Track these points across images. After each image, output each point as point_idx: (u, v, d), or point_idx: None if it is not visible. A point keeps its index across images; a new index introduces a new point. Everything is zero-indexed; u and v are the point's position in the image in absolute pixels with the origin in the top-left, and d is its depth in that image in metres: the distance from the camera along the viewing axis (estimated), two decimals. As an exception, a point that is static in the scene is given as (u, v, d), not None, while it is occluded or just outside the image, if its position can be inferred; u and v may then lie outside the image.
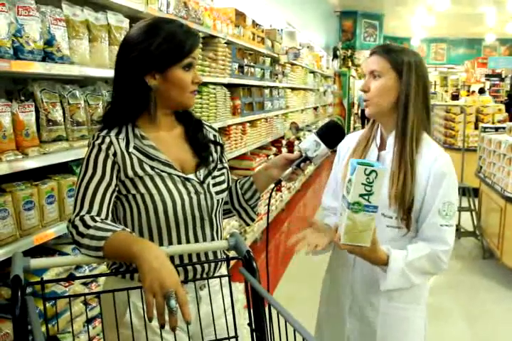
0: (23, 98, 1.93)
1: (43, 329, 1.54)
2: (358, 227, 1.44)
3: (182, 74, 1.48)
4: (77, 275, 2.15)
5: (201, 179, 1.57)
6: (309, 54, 9.48)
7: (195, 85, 1.52)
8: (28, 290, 1.82)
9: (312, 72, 9.61)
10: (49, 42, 1.88)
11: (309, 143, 1.59)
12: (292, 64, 7.39)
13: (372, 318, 1.75)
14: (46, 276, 1.95)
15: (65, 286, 2.04)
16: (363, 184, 1.38)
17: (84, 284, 2.22)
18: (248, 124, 5.05)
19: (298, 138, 7.86)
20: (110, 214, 1.46)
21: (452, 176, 1.68)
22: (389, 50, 1.69)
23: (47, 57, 1.88)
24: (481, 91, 14.44)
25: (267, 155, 6.03)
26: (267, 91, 5.81)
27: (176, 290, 1.11)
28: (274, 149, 6.41)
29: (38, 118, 1.93)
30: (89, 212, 1.40)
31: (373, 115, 1.74)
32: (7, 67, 1.66)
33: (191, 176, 1.56)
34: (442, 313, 3.76)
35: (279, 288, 4.41)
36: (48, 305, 1.87)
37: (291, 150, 7.35)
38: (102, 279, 2.18)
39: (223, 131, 4.41)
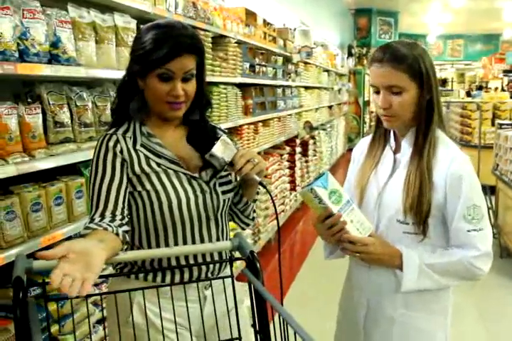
0: (30, 100, 1.94)
1: (49, 330, 1.55)
2: (358, 220, 1.61)
3: (156, 83, 1.47)
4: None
5: (207, 178, 1.57)
6: (323, 52, 9.44)
7: (172, 97, 1.48)
8: (38, 291, 1.85)
9: (326, 70, 9.57)
10: (55, 44, 1.89)
11: (213, 161, 1.51)
12: (305, 63, 7.36)
13: (388, 328, 1.70)
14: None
15: (74, 287, 2.05)
16: (329, 195, 1.55)
17: (95, 285, 2.23)
18: (260, 124, 5.04)
19: (312, 137, 7.82)
20: (126, 210, 1.46)
21: (471, 177, 1.60)
22: (401, 57, 1.56)
23: (53, 59, 1.89)
24: (480, 88, 14.24)
25: (281, 155, 6.01)
26: (279, 90, 5.79)
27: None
28: (288, 148, 6.39)
29: (45, 120, 1.94)
30: (103, 212, 1.42)
31: (395, 127, 1.68)
32: (12, 69, 1.67)
33: (197, 175, 1.56)
34: (459, 312, 3.69)
35: (292, 287, 4.40)
36: (56, 306, 1.89)
37: (305, 149, 7.33)
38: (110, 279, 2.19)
39: (235, 130, 4.41)
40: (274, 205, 1.52)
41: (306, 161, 7.41)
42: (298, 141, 6.89)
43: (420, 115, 1.63)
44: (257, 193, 1.71)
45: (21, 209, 1.81)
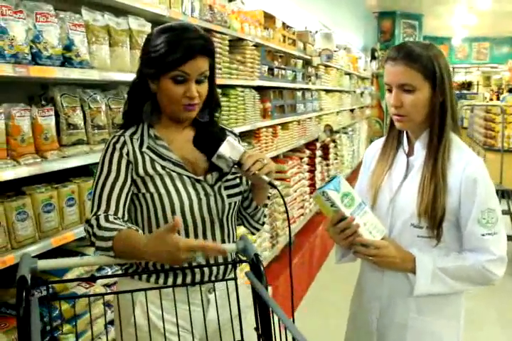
0: (44, 102, 1.97)
1: (52, 330, 1.57)
2: (371, 223, 1.60)
3: (170, 85, 1.48)
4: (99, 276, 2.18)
5: (212, 182, 1.57)
6: (345, 55, 9.39)
7: (187, 99, 1.49)
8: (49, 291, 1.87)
9: (348, 73, 9.51)
10: (68, 47, 1.91)
11: (220, 163, 1.52)
12: (326, 66, 7.33)
13: (400, 332, 1.68)
14: (67, 277, 1.98)
15: (86, 288, 2.07)
16: (341, 198, 1.54)
17: (107, 286, 2.24)
18: (279, 127, 5.03)
19: (333, 141, 7.78)
20: (127, 213, 1.48)
21: (486, 181, 1.58)
22: (415, 56, 1.56)
23: (66, 62, 1.92)
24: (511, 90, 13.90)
25: (301, 158, 5.99)
26: (299, 93, 5.77)
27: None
28: (307, 152, 6.36)
29: (58, 122, 1.97)
30: (106, 211, 1.44)
31: (406, 128, 1.67)
32: (25, 72, 1.69)
33: (202, 178, 1.56)
34: (477, 318, 3.65)
35: (310, 289, 4.38)
36: (68, 306, 1.90)
37: (326, 152, 7.29)
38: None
39: (253, 133, 4.40)
40: (285, 205, 1.51)
41: (327, 165, 7.37)
42: (318, 145, 6.85)
43: (433, 117, 1.60)
44: (269, 198, 1.70)
45: (33, 210, 1.83)
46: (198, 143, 1.53)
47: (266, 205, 1.69)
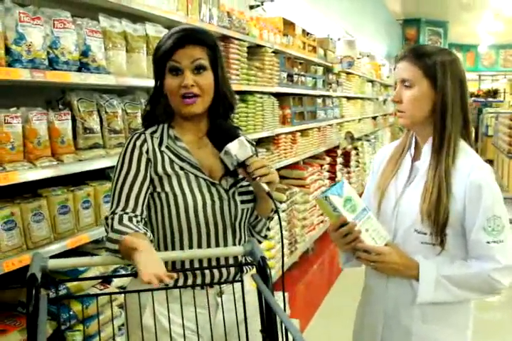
0: (61, 107, 2.01)
1: (60, 329, 1.59)
2: (374, 228, 1.60)
3: (169, 79, 1.51)
4: (115, 278, 2.21)
5: (227, 186, 1.58)
6: (368, 63, 9.36)
7: (183, 89, 1.49)
8: (63, 291, 1.91)
9: (370, 81, 9.48)
10: (84, 53, 1.96)
11: (226, 159, 1.52)
12: (348, 73, 7.32)
13: (404, 340, 1.65)
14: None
15: (100, 289, 2.09)
16: (344, 203, 1.53)
17: (122, 288, 2.27)
18: (299, 133, 5.03)
19: (355, 148, 7.74)
20: (145, 210, 1.50)
21: (491, 187, 1.56)
22: (420, 55, 1.58)
23: (83, 67, 1.96)
24: None
25: (321, 165, 5.98)
26: (319, 100, 5.78)
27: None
28: (328, 159, 6.35)
29: (75, 126, 2.01)
30: (124, 208, 1.46)
31: (408, 126, 1.67)
32: (42, 77, 1.74)
33: (217, 182, 1.57)
34: (494, 328, 3.58)
35: (328, 295, 4.37)
36: (82, 306, 1.93)
37: (347, 159, 7.26)
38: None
39: (272, 139, 4.42)
40: (280, 222, 1.46)
41: (348, 172, 7.34)
42: (339, 152, 6.84)
43: (435, 120, 1.60)
44: (275, 211, 1.65)
45: (49, 212, 1.87)
46: (212, 135, 1.54)
47: (270, 218, 1.68)
